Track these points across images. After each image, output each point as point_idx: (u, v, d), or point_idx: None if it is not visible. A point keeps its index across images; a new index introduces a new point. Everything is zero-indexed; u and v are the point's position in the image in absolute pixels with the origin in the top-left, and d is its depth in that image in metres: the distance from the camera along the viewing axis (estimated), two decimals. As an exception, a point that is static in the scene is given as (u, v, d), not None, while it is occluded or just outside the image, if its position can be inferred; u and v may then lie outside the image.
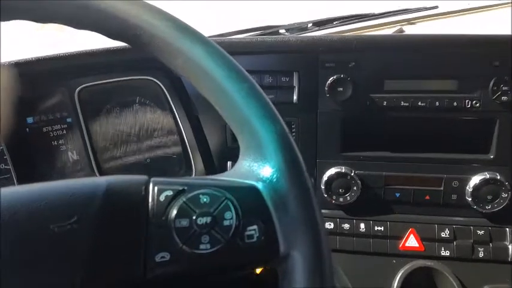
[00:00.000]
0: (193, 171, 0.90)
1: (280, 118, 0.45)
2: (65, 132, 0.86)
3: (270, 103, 0.46)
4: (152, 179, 0.37)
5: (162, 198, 0.35)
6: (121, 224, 0.33)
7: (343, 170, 0.86)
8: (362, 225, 0.87)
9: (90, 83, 0.87)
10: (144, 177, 0.38)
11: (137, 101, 0.89)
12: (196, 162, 0.90)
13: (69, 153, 0.86)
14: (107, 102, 0.88)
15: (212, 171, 0.91)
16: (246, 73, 0.47)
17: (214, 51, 0.46)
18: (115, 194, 0.34)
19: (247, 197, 0.38)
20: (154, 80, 0.89)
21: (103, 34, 0.45)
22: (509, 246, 0.83)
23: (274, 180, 0.39)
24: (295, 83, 0.84)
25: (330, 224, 0.88)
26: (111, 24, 0.42)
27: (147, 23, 0.44)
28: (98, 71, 0.87)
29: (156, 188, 0.36)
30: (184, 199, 0.35)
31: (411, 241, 0.85)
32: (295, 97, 0.85)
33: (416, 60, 0.81)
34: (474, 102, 0.80)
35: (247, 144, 0.44)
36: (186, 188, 0.36)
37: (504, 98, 0.78)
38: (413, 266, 0.84)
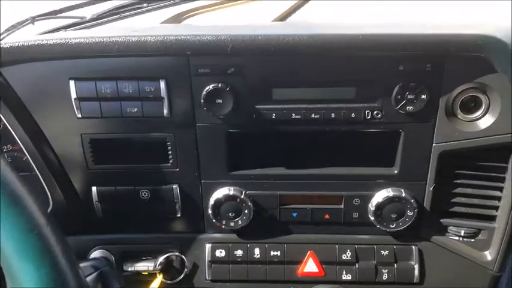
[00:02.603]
0: (50, 202, 0.73)
1: (56, 250, 0.31)
2: None
3: (42, 222, 0.31)
4: None
5: None
6: None
7: (232, 192, 0.73)
8: (257, 251, 0.76)
9: None
10: None
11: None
12: (53, 190, 0.73)
13: None
14: None
15: (75, 200, 0.75)
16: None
17: None
18: None
19: None
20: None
21: None
22: (415, 266, 0.75)
23: None
24: (163, 93, 0.67)
25: (221, 252, 0.77)
26: None
27: None
28: None
29: None
30: None
31: (310, 265, 0.76)
32: (165, 110, 0.68)
33: (307, 65, 0.65)
34: (375, 113, 0.67)
35: None
36: None
37: (409, 108, 0.66)
38: (313, 293, 0.76)
